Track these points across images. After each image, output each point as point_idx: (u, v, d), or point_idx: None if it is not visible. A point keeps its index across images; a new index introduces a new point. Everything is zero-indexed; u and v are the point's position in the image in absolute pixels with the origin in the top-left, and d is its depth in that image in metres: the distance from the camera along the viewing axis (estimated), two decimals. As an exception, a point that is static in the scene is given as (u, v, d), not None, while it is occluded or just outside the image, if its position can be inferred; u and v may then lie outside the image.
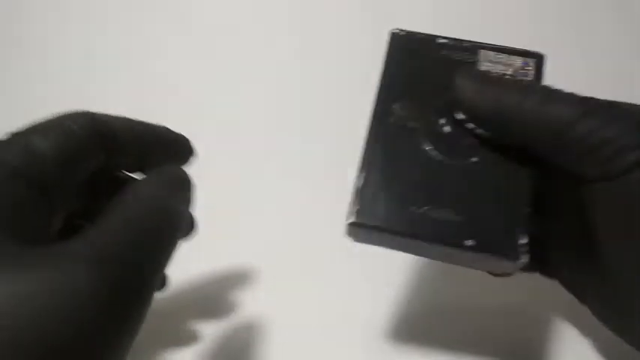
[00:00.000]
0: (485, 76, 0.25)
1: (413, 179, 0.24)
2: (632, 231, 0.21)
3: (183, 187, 0.22)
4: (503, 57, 0.26)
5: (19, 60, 0.43)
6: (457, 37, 0.27)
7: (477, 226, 0.23)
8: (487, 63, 0.26)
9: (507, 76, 0.25)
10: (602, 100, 0.22)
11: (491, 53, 0.26)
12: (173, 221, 0.21)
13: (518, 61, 0.26)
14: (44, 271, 0.16)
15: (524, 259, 0.22)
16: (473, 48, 0.26)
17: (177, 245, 0.21)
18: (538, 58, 0.26)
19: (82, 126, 0.20)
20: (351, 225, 0.23)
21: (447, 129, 0.25)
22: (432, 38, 0.27)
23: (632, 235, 0.21)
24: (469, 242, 0.23)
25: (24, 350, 0.15)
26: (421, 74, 0.26)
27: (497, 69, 0.26)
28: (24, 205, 0.18)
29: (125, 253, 0.18)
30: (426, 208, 0.23)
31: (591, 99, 0.22)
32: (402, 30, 0.27)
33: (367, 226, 0.23)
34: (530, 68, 0.26)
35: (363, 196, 0.24)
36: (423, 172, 0.24)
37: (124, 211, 0.19)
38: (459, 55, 0.26)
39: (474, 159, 0.24)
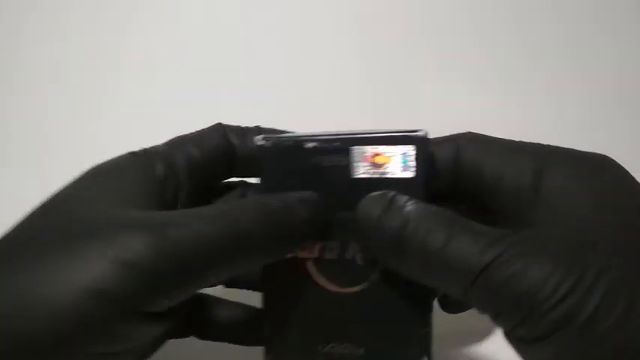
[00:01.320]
0: (389, 204, 0.21)
1: (313, 316, 0.24)
2: None
3: (304, 203, 0.22)
4: (379, 150, 0.23)
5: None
6: (326, 136, 0.23)
7: (380, 356, 0.23)
8: (362, 163, 0.23)
9: (388, 174, 0.22)
10: (515, 237, 0.19)
11: (365, 149, 0.23)
12: (270, 229, 0.21)
13: (397, 151, 0.22)
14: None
15: None
16: (344, 146, 0.23)
17: (276, 254, 0.22)
18: (419, 144, 0.22)
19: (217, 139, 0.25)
20: None
21: (334, 254, 0.23)
22: (299, 144, 0.23)
23: None
24: None
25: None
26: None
27: (375, 167, 0.23)
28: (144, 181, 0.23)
29: (187, 237, 0.19)
30: (330, 345, 0.24)
31: (505, 236, 0.19)
32: (267, 138, 0.24)
33: None
34: (412, 157, 0.22)
35: (270, 345, 0.24)
36: (321, 307, 0.24)
37: (221, 204, 0.23)
38: (330, 159, 0.23)
39: (366, 284, 0.23)
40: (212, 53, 0.40)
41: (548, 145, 0.23)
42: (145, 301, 0.19)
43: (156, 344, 0.23)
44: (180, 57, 0.40)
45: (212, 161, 0.25)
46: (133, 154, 0.24)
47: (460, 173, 0.23)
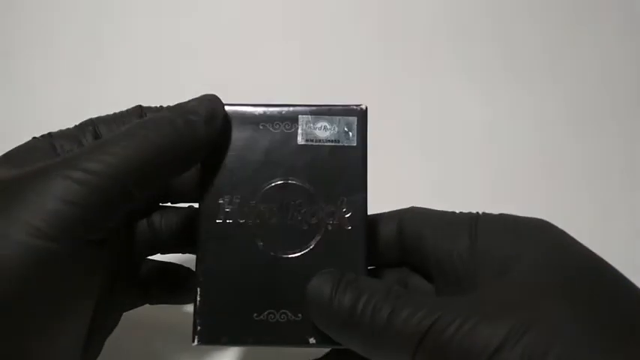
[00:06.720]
0: (339, 282, 0.22)
1: (251, 283, 0.24)
2: None
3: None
4: (324, 120, 0.24)
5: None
6: (273, 105, 0.25)
7: None
8: (308, 130, 0.24)
9: (332, 142, 0.24)
10: (456, 300, 0.20)
11: (311, 118, 0.24)
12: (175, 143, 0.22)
13: (340, 122, 0.24)
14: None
15: None
16: (291, 115, 0.24)
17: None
18: (360, 115, 0.24)
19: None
20: (198, 345, 0.23)
21: (275, 220, 0.24)
22: (247, 111, 0.24)
23: None
24: (312, 340, 0.23)
25: None
26: (243, 158, 0.24)
27: (320, 135, 0.24)
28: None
29: (105, 166, 0.20)
30: (267, 312, 0.23)
31: (447, 301, 0.20)
32: (230, 105, 0.24)
33: (212, 343, 0.23)
34: (354, 128, 0.24)
35: (202, 313, 0.23)
36: (259, 273, 0.24)
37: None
38: (278, 126, 0.24)
39: (307, 249, 0.24)
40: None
41: (484, 213, 0.24)
42: (87, 229, 0.20)
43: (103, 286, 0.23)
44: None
45: None
46: (34, 138, 0.24)
47: (404, 245, 0.25)
